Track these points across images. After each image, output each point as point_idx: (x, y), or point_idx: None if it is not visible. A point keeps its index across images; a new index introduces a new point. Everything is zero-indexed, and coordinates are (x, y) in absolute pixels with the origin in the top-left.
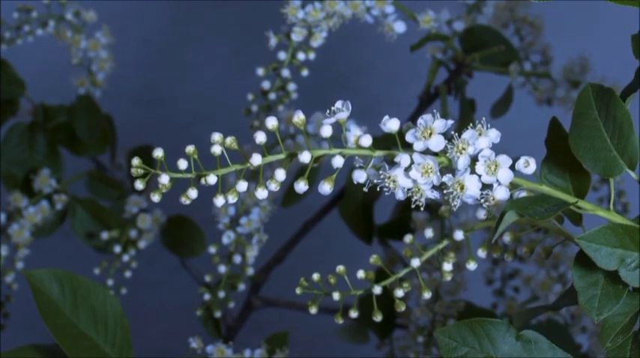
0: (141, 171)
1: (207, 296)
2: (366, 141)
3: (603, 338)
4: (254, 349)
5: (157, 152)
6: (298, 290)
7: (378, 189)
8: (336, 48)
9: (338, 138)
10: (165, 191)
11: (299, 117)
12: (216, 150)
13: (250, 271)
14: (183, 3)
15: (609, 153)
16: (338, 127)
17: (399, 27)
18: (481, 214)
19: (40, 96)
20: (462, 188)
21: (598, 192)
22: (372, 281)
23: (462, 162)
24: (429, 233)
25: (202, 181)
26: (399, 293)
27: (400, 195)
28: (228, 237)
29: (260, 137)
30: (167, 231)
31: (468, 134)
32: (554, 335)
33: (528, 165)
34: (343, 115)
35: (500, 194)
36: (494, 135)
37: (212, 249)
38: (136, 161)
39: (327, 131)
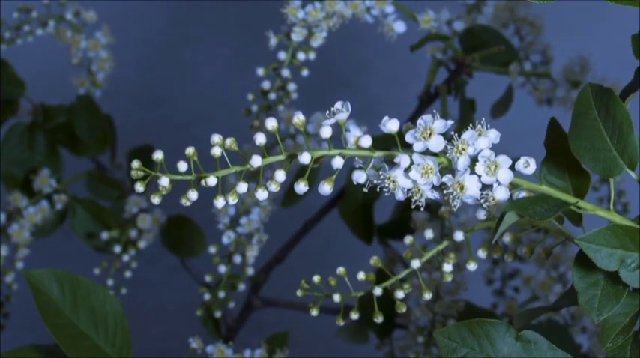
0: (141, 174)
1: (207, 296)
2: (366, 141)
3: (603, 338)
4: (254, 349)
5: (157, 154)
6: (299, 293)
7: (378, 190)
8: (336, 48)
9: (338, 139)
10: (165, 193)
11: (299, 117)
12: (216, 151)
13: (250, 271)
14: (183, 3)
15: (609, 153)
16: (338, 128)
17: (399, 27)
18: (481, 215)
19: (40, 96)
20: (462, 188)
21: (598, 192)
22: (373, 282)
23: (462, 162)
24: (429, 234)
25: (202, 183)
26: (400, 294)
27: (400, 196)
28: (228, 237)
29: (260, 138)
30: (167, 231)
31: (467, 134)
32: (554, 336)
33: (528, 165)
34: (343, 116)
35: (500, 194)
36: (493, 135)
37: (212, 249)
38: (135, 163)
39: (326, 132)
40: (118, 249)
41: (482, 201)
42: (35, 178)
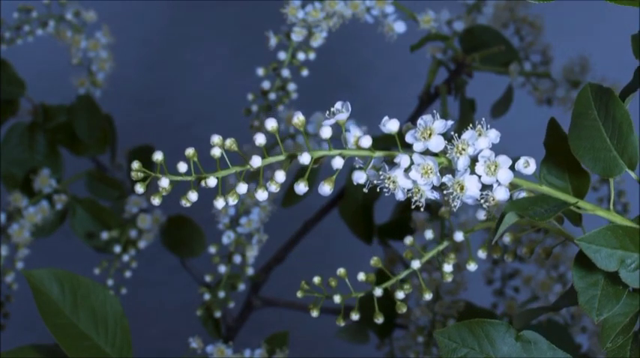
0: (141, 175)
1: (207, 296)
2: (366, 142)
3: (603, 338)
4: (254, 349)
5: (157, 155)
6: (299, 294)
7: (378, 190)
8: (336, 48)
9: (338, 139)
10: (165, 194)
11: (299, 118)
12: (216, 152)
13: (250, 271)
14: (183, 3)
15: (609, 153)
16: (338, 128)
17: (399, 27)
18: (481, 215)
19: (40, 96)
20: (462, 188)
21: (598, 192)
22: (373, 283)
23: (462, 162)
24: (429, 234)
25: (202, 183)
26: (400, 295)
27: (400, 196)
28: (228, 237)
29: (260, 139)
30: (167, 231)
31: (467, 134)
32: (554, 335)
33: (528, 165)
34: (343, 116)
35: (500, 194)
36: (493, 135)
37: (212, 249)
38: (135, 165)
39: (326, 132)
40: (118, 249)
41: (482, 201)
42: (35, 178)
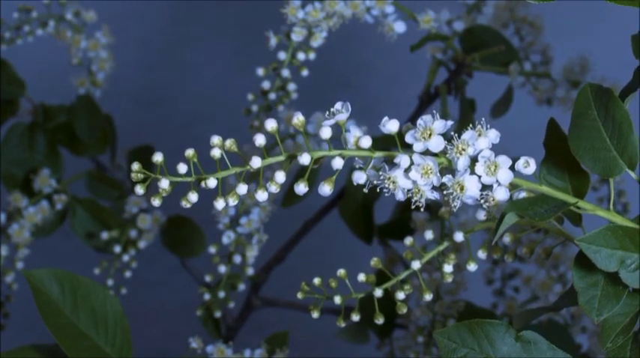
0: (141, 176)
1: (207, 296)
2: (366, 142)
3: (604, 338)
4: (254, 349)
5: (157, 157)
6: (300, 295)
7: (378, 190)
8: (336, 48)
9: (338, 139)
10: (165, 195)
11: (298, 118)
12: (216, 153)
13: (250, 271)
14: (183, 3)
15: (609, 153)
16: (338, 128)
17: (399, 27)
18: (481, 215)
19: (40, 96)
20: (462, 189)
21: (598, 192)
22: (373, 284)
23: (462, 162)
24: (429, 235)
25: (202, 184)
26: (401, 295)
27: (400, 196)
28: (228, 237)
29: (259, 140)
30: (167, 231)
31: (467, 135)
32: (554, 335)
33: (528, 165)
34: (343, 117)
35: (500, 194)
36: (493, 135)
37: (212, 249)
38: (135, 166)
39: (326, 133)
40: (118, 249)
41: (482, 201)
42: (35, 178)
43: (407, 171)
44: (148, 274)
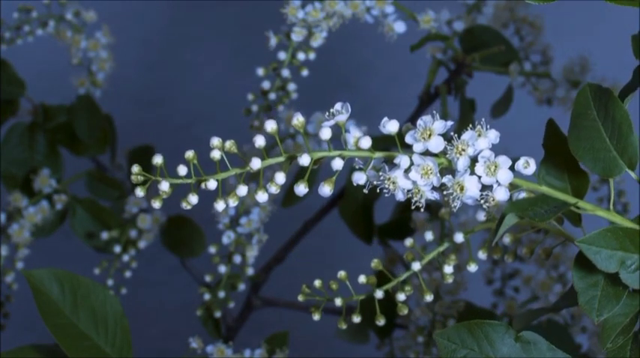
0: (141, 178)
1: (207, 296)
2: (366, 143)
3: (604, 338)
4: (254, 349)
5: (157, 159)
6: (301, 298)
7: (378, 191)
8: (336, 48)
9: (338, 139)
10: (165, 197)
11: (298, 119)
12: (216, 155)
13: (250, 271)
14: (183, 3)
15: (609, 154)
16: (338, 128)
17: (399, 27)
18: (481, 216)
19: (40, 96)
20: (462, 189)
21: (598, 192)
22: (374, 285)
23: (462, 163)
24: (429, 235)
25: (202, 186)
26: (401, 297)
27: (400, 196)
28: (228, 237)
29: (259, 141)
30: (167, 231)
31: (467, 135)
32: (554, 336)
33: (528, 165)
34: (342, 118)
35: (500, 195)
36: (493, 136)
37: (212, 249)
38: (135, 168)
39: (326, 134)
40: (118, 249)
41: (482, 201)
42: (35, 178)
43: (407, 171)
44: (148, 274)
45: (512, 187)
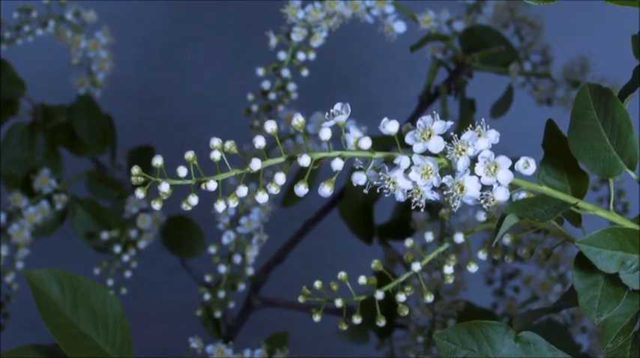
0: (141, 179)
1: (207, 296)
2: (366, 143)
3: (604, 339)
4: (254, 349)
5: (157, 160)
6: (301, 299)
7: (378, 191)
8: (336, 48)
9: (338, 139)
10: (165, 198)
11: (298, 119)
12: (216, 155)
13: (250, 271)
14: (183, 3)
15: (609, 154)
16: (338, 128)
17: (399, 27)
18: (481, 216)
19: (40, 96)
20: (462, 189)
21: (598, 192)
22: (374, 286)
23: (462, 163)
24: (429, 236)
25: (202, 187)
26: (402, 297)
27: (400, 197)
28: (228, 237)
29: (259, 141)
30: (167, 231)
31: (467, 135)
32: (554, 336)
33: (528, 165)
34: (342, 118)
35: (500, 195)
36: (493, 136)
37: (212, 249)
38: (135, 169)
39: (326, 134)
40: (118, 249)
41: (482, 201)
42: (35, 178)
43: (407, 171)
44: (148, 274)
45: (512, 187)
